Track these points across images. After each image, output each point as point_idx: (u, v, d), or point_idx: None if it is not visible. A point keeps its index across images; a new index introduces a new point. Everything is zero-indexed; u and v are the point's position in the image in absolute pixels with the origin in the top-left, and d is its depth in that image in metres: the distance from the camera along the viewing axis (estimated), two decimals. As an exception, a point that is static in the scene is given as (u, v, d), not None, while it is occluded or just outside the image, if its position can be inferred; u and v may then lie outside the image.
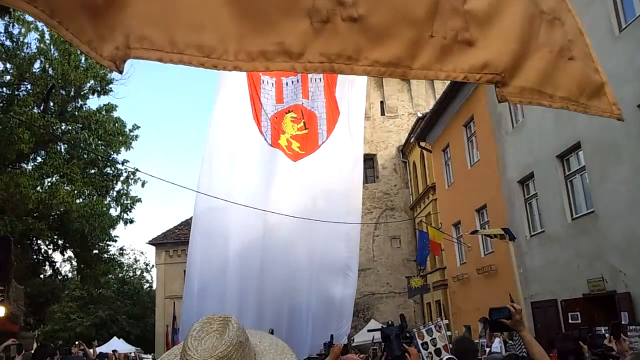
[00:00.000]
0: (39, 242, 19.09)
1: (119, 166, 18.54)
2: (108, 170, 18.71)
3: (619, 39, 10.54)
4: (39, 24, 15.33)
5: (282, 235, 8.84)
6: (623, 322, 9.07)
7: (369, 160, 27.83)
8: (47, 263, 20.59)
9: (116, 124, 18.19)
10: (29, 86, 16.90)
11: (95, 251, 19.18)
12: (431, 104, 25.77)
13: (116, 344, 26.66)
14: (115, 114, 18.42)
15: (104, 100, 27.42)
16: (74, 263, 21.62)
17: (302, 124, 9.47)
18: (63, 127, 17.88)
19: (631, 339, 7.59)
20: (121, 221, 18.95)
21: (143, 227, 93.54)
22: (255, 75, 9.42)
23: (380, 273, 27.61)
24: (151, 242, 33.00)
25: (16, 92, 16.77)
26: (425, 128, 22.65)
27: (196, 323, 1.32)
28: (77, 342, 12.83)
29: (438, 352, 9.44)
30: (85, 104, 18.36)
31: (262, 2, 1.44)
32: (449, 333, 12.60)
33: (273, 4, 1.44)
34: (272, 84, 9.64)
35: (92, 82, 17.66)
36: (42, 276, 21.80)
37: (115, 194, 18.92)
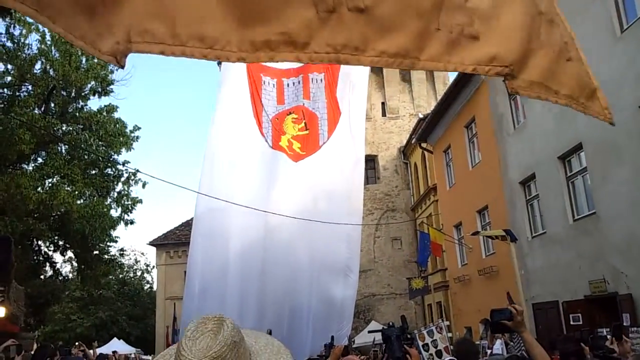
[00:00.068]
0: (40, 242, 19.09)
1: (120, 167, 18.58)
2: (109, 171, 18.71)
3: (621, 39, 10.53)
4: (40, 26, 15.33)
5: (283, 236, 8.84)
6: (625, 324, 9.04)
7: (370, 161, 27.83)
8: (47, 264, 20.59)
9: (117, 125, 18.20)
10: (29, 87, 16.92)
11: (96, 252, 19.18)
12: (432, 105, 25.76)
13: (116, 345, 26.67)
14: (116, 115, 18.46)
15: (104, 101, 27.42)
16: (75, 264, 21.58)
17: (303, 124, 9.47)
18: (64, 128, 17.89)
19: (633, 340, 7.57)
20: (122, 222, 18.99)
21: (144, 228, 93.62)
22: (256, 76, 9.42)
23: (381, 274, 27.59)
24: (152, 243, 33.01)
25: (17, 93, 16.80)
26: (426, 129, 22.63)
27: (191, 323, 1.32)
28: (77, 343, 12.80)
29: (439, 353, 9.42)
30: (86, 104, 18.40)
31: None
32: (450, 334, 12.57)
33: None
34: (273, 84, 9.64)
35: (93, 83, 17.68)
36: (42, 277, 21.80)
37: (115, 194, 18.93)
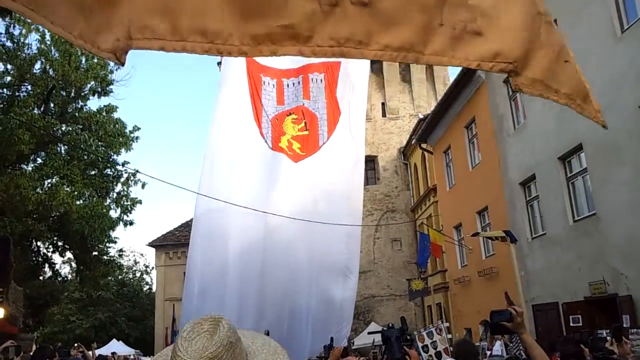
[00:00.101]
0: (39, 243, 19.07)
1: (119, 167, 18.55)
2: (108, 171, 18.69)
3: (621, 40, 10.52)
4: (40, 26, 15.31)
5: (283, 237, 8.82)
6: (624, 325, 9.04)
7: (370, 162, 27.82)
8: (46, 265, 20.55)
9: (116, 125, 18.18)
10: (29, 87, 16.90)
11: (95, 253, 19.16)
12: (432, 105, 25.75)
13: (115, 346, 26.68)
14: (115, 115, 18.44)
15: (104, 101, 27.41)
16: (74, 265, 21.59)
17: (303, 124, 9.45)
18: (63, 128, 17.87)
19: (633, 342, 7.56)
20: (121, 223, 18.96)
21: (143, 229, 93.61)
22: (256, 76, 9.41)
23: (381, 275, 27.57)
24: (151, 244, 33.01)
25: (17, 93, 16.78)
26: (426, 130, 22.63)
27: (187, 324, 1.31)
28: (76, 344, 12.76)
29: (439, 355, 9.41)
30: (85, 105, 18.39)
31: None
32: (449, 336, 12.56)
33: None
34: (273, 85, 9.63)
35: (92, 83, 17.67)
36: (41, 278, 21.79)
37: (115, 195, 18.90)
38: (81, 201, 17.50)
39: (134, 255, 44.64)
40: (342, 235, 8.95)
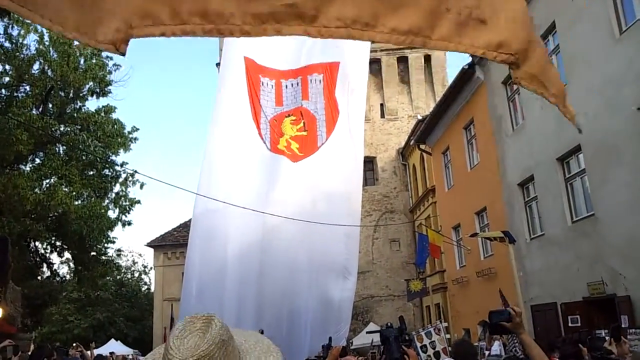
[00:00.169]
0: (37, 243, 19.06)
1: (118, 168, 18.53)
2: (107, 171, 18.67)
3: (620, 41, 10.53)
4: (39, 26, 15.30)
5: (282, 237, 8.82)
6: (623, 326, 9.04)
7: (369, 162, 27.80)
8: (44, 265, 20.54)
9: (115, 126, 18.17)
10: (27, 87, 16.88)
11: (93, 253, 19.14)
12: (431, 106, 25.75)
13: (114, 346, 26.66)
14: (114, 116, 18.43)
15: (103, 101, 27.54)
16: (72, 265, 21.55)
17: (301, 124, 9.46)
18: (62, 129, 17.84)
19: (631, 342, 7.56)
20: (119, 223, 18.93)
21: (141, 229, 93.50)
22: (254, 77, 9.41)
23: (380, 276, 27.56)
24: (149, 244, 32.96)
25: (15, 94, 16.76)
26: (425, 130, 22.63)
27: (179, 322, 1.31)
28: (74, 344, 12.75)
29: (437, 355, 9.41)
30: (84, 105, 18.37)
31: None
32: (448, 336, 12.56)
33: None
34: (272, 85, 9.63)
35: (91, 83, 17.66)
36: (39, 278, 21.75)
37: (113, 195, 18.88)
38: (79, 201, 17.49)
39: (133, 256, 44.61)
40: (341, 236, 8.95)
